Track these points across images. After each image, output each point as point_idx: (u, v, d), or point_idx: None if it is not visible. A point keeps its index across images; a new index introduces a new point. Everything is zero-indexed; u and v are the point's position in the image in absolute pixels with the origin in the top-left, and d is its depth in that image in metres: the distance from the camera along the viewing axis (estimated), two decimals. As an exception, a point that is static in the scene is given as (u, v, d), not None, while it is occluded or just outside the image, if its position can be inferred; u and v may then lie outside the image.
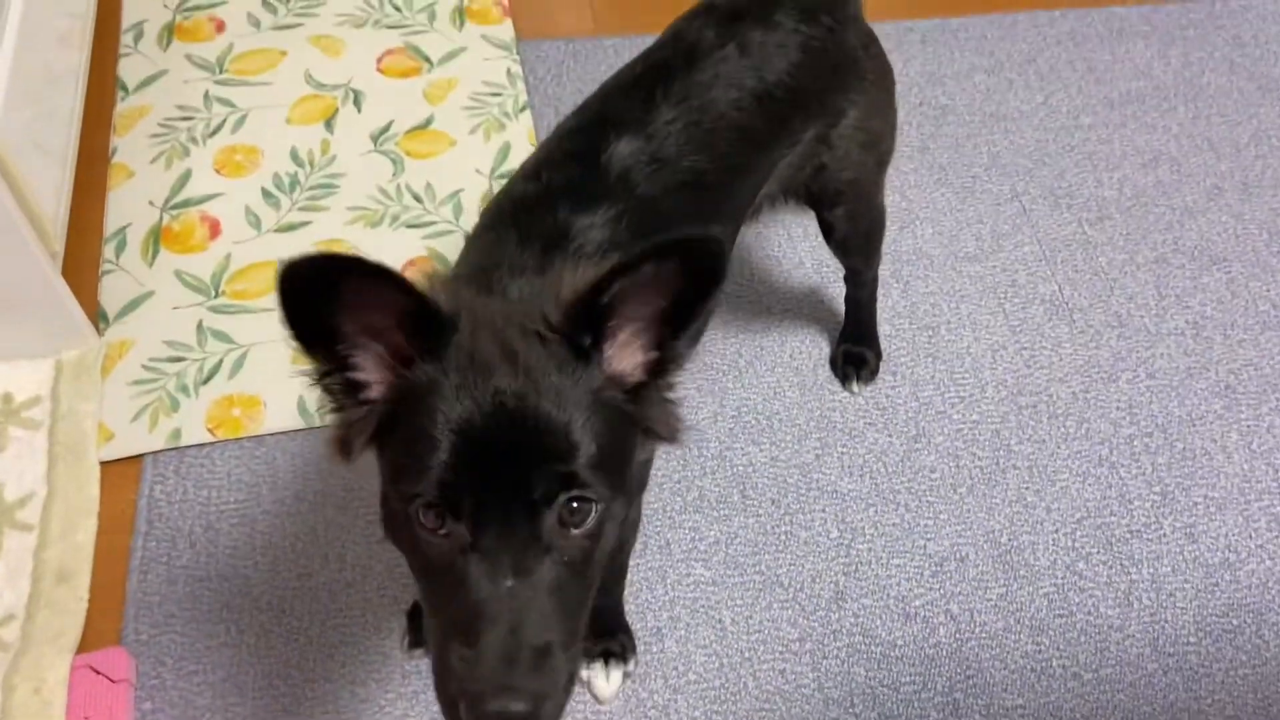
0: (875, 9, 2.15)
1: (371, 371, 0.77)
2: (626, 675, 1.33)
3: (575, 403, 0.73)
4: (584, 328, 0.75)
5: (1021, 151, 1.93)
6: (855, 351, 1.62)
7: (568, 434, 0.71)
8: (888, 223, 1.52)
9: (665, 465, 1.52)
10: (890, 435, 1.58)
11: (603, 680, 1.31)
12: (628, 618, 1.37)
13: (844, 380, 1.62)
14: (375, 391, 0.77)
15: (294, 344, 0.74)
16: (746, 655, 1.37)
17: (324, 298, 0.71)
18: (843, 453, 1.56)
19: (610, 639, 1.32)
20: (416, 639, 1.33)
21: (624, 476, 0.77)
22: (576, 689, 1.30)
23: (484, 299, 0.82)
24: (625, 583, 1.34)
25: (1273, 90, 2.06)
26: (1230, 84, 2.07)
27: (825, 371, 1.64)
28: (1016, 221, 1.83)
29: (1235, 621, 1.44)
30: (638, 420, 0.79)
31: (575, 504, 0.72)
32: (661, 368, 0.80)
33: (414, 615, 1.35)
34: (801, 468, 1.54)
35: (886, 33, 2.10)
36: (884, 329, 1.69)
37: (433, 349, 0.73)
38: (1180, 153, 1.95)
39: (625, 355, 0.78)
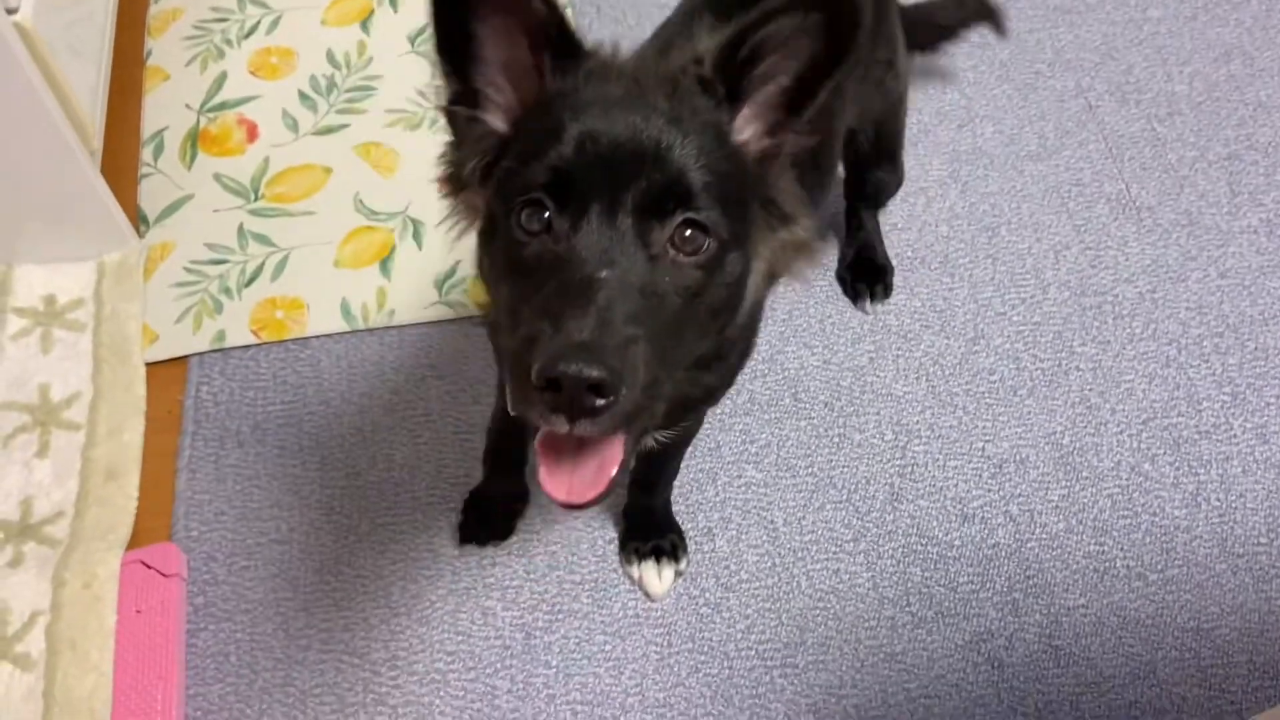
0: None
1: (495, 108, 0.77)
2: (678, 574, 1.31)
3: (700, 140, 0.71)
4: (719, 79, 0.74)
5: (1087, 46, 1.84)
6: (861, 261, 1.54)
7: (689, 163, 0.70)
8: (947, 121, 1.46)
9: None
10: (948, 338, 1.53)
11: (654, 577, 1.30)
12: (678, 519, 1.35)
13: (855, 297, 1.55)
14: (496, 124, 0.77)
15: (435, 59, 0.75)
16: (799, 555, 1.35)
17: (470, 7, 0.72)
18: (898, 355, 1.51)
19: (660, 537, 1.31)
20: (467, 534, 1.32)
21: (741, 234, 0.74)
22: (629, 585, 1.30)
23: (614, 50, 0.80)
24: (674, 484, 1.32)
25: (1355, -21, 1.94)
26: (1309, -27, 1.95)
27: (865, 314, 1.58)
28: (1081, 118, 1.75)
29: (1308, 524, 1.39)
30: (760, 185, 0.77)
31: (689, 230, 0.70)
32: (782, 149, 0.78)
33: (467, 509, 1.33)
34: (855, 371, 1.50)
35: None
36: (941, 230, 1.63)
37: (563, 71, 0.74)
38: (1254, 46, 1.85)
39: (752, 124, 0.77)
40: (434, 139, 1.66)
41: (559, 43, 0.74)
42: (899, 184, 1.51)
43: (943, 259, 1.60)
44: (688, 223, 0.70)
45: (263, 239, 1.55)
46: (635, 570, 1.31)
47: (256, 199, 1.59)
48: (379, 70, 1.74)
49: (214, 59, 1.74)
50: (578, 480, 0.71)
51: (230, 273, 1.52)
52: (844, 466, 1.42)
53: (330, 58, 1.75)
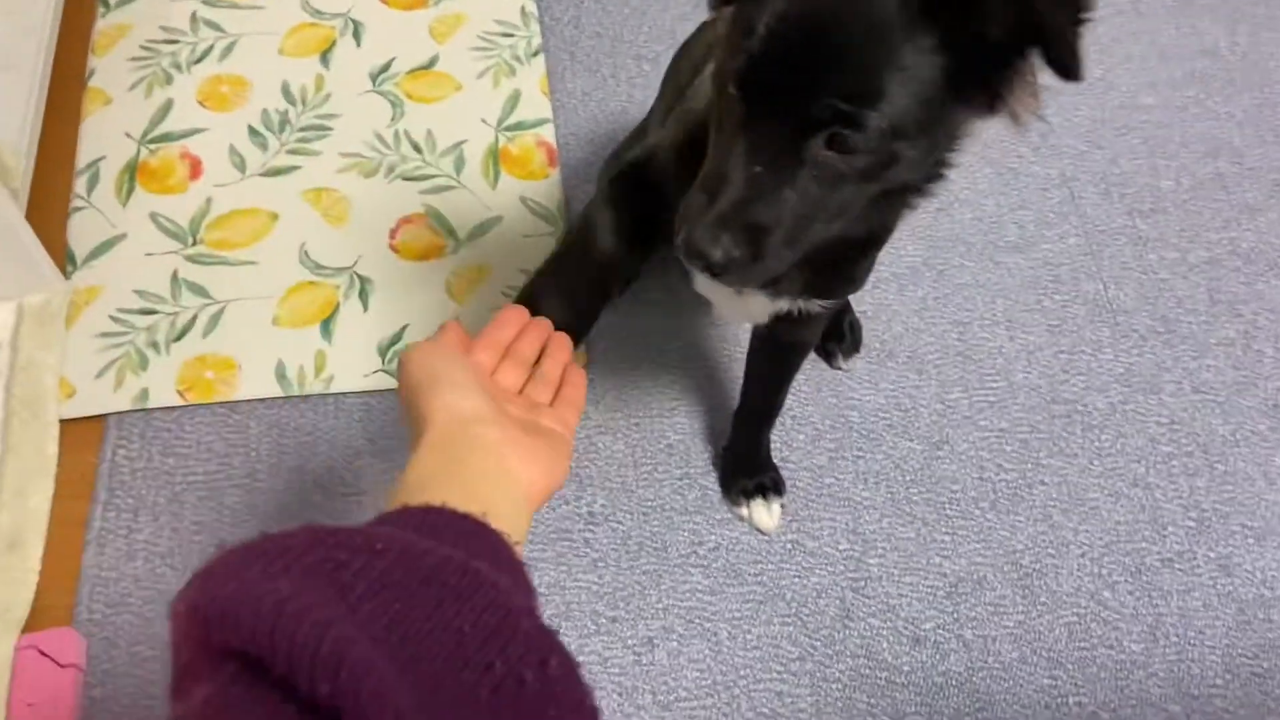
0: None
1: None
2: (783, 507, 1.38)
3: (893, 32, 0.69)
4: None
5: (1075, 131, 1.79)
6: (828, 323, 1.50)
7: (877, 60, 0.70)
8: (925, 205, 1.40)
9: (666, 462, 1.41)
10: (911, 440, 1.47)
11: (764, 513, 1.37)
12: (618, 627, 1.28)
13: (828, 357, 1.52)
14: None
15: None
16: (742, 673, 1.28)
17: None
18: (858, 456, 1.45)
19: (763, 474, 1.38)
20: None
21: (932, 135, 0.76)
22: (743, 524, 1.38)
23: None
24: (775, 421, 1.38)
25: (1349, 79, 1.90)
26: (1303, 69, 1.91)
27: (842, 371, 1.52)
28: (1063, 209, 1.70)
29: (1266, 665, 1.35)
30: (986, 88, 0.74)
31: (847, 130, 0.72)
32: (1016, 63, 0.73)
33: None
34: (812, 470, 1.44)
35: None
36: (911, 321, 1.57)
37: None
38: (1244, 143, 1.81)
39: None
40: (390, 187, 1.58)
41: None
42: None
43: (911, 353, 1.54)
44: (847, 124, 0.71)
45: (198, 289, 1.46)
46: (744, 509, 1.38)
47: (195, 244, 1.50)
48: (336, 109, 1.65)
49: (160, 84, 1.64)
50: None
51: (160, 325, 1.43)
52: (795, 576, 1.36)
53: (285, 91, 1.66)
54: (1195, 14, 1.97)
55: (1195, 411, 1.53)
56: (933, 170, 0.85)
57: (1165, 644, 1.35)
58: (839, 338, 1.52)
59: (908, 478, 1.44)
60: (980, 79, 0.74)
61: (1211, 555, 1.42)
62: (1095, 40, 1.87)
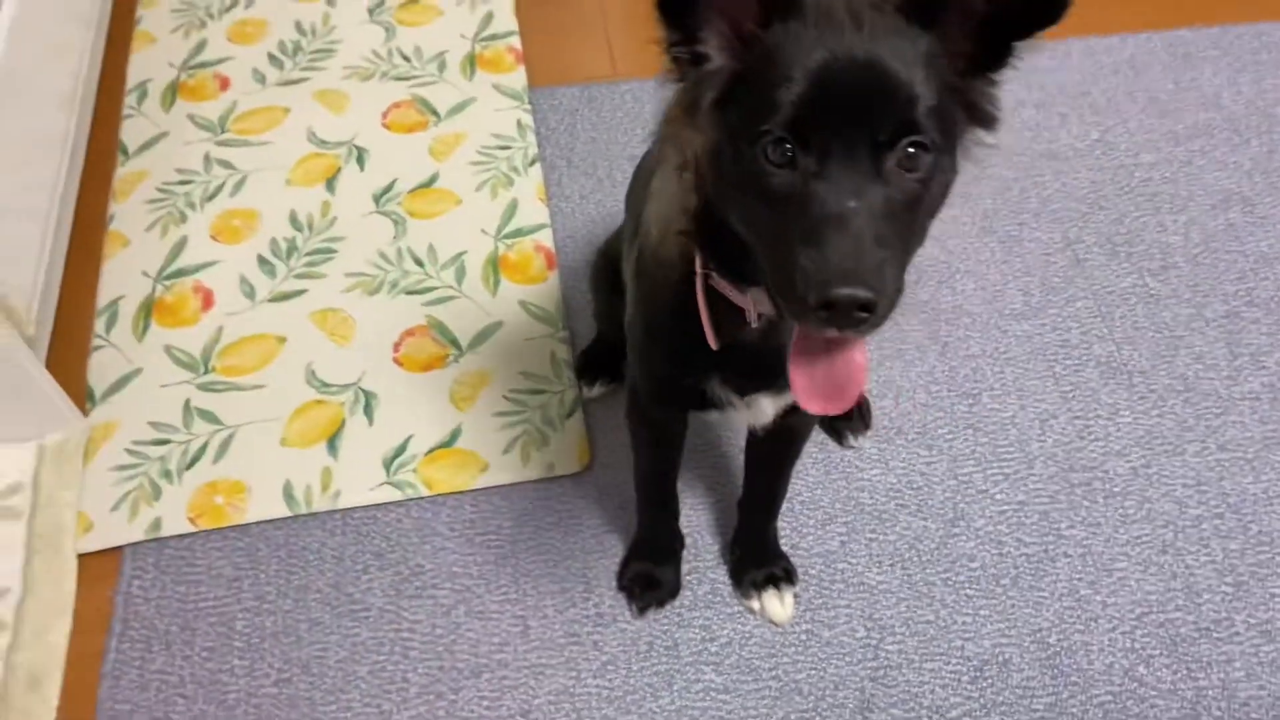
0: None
1: (715, 45, 0.82)
2: (796, 596, 1.36)
3: (915, 62, 0.77)
4: (916, 6, 0.78)
5: (1075, 194, 1.77)
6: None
7: (911, 86, 0.76)
8: (926, 278, 1.42)
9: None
10: (925, 519, 1.44)
11: (777, 604, 1.35)
12: (628, 731, 1.25)
13: (837, 436, 1.51)
14: (719, 61, 0.82)
15: (657, 15, 0.80)
16: (759, 775, 1.24)
17: None
18: (871, 539, 1.42)
19: (773, 564, 1.36)
20: (644, 599, 1.38)
21: (951, 139, 0.80)
22: (755, 617, 1.36)
23: None
24: (780, 509, 1.37)
25: (1359, 118, 1.87)
26: (1310, 112, 1.88)
27: (852, 449, 1.50)
28: (1069, 273, 1.67)
29: (1323, 738, 1.26)
30: (963, 94, 0.81)
31: (912, 149, 0.76)
32: (988, 63, 0.81)
33: (633, 580, 1.38)
34: (825, 556, 1.41)
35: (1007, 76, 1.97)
36: (919, 396, 1.55)
37: (784, 14, 0.78)
38: (1254, 192, 1.77)
39: (958, 40, 0.80)
40: (393, 302, 1.62)
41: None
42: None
43: (921, 429, 1.52)
44: (914, 144, 0.76)
45: (209, 416, 1.50)
46: (755, 602, 1.36)
47: (206, 372, 1.55)
48: (341, 231, 1.71)
49: (175, 223, 1.72)
50: (830, 387, 0.83)
51: (172, 454, 1.47)
52: (811, 668, 1.32)
53: (293, 219, 1.72)
54: (1194, 67, 1.96)
55: (1223, 471, 1.47)
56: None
57: (1208, 719, 1.27)
58: (847, 416, 1.51)
59: (924, 558, 1.40)
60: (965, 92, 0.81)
61: (1252, 621, 1.34)
62: (1090, 104, 1.87)
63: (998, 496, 1.45)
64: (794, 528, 1.43)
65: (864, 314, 0.74)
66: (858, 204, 0.75)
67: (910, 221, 0.79)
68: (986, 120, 0.83)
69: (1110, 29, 2.00)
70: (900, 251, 0.78)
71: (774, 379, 1.01)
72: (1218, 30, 2.00)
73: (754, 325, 0.93)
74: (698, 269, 0.94)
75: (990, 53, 0.81)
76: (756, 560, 1.38)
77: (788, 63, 0.77)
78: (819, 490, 1.46)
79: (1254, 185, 1.78)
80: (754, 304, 0.91)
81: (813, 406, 0.83)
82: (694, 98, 0.82)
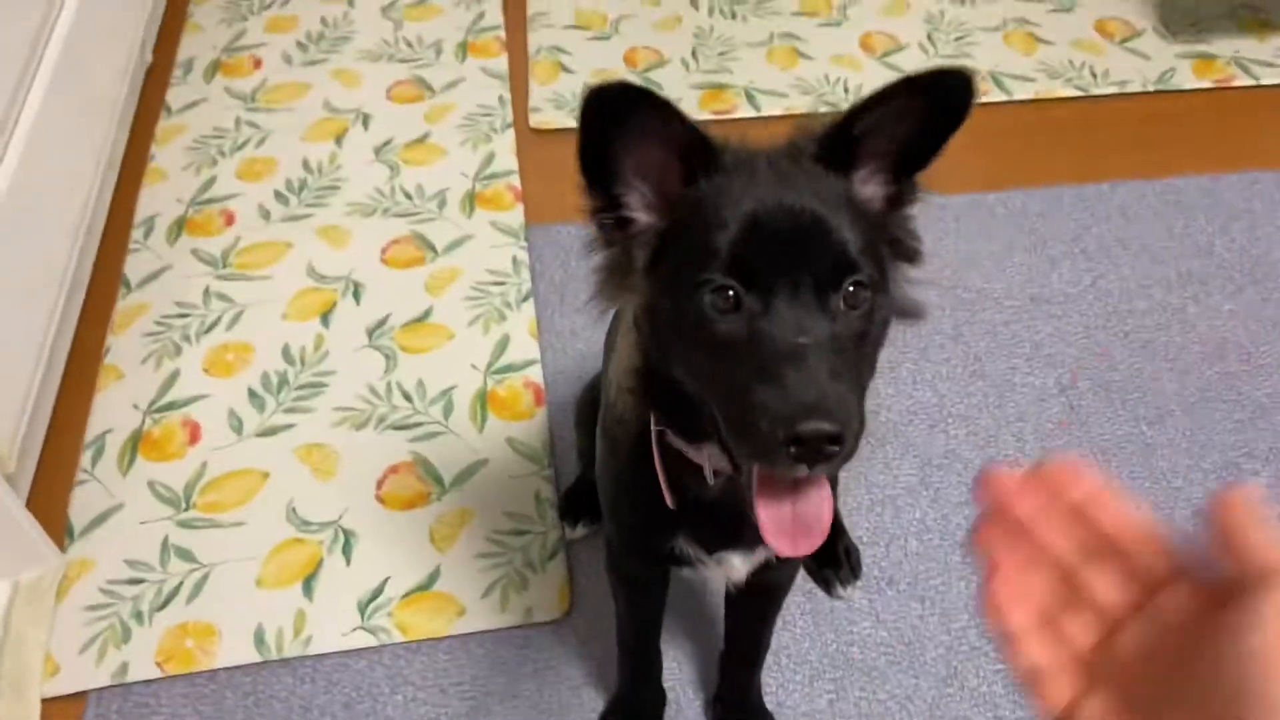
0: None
1: (641, 206, 0.83)
2: None
3: (840, 207, 0.80)
4: (839, 154, 0.81)
5: (1068, 339, 1.76)
6: (823, 549, 1.47)
7: (840, 228, 0.78)
8: (918, 421, 1.44)
9: (652, 713, 1.35)
10: (916, 676, 1.38)
11: None
12: None
13: (825, 585, 1.47)
14: (645, 221, 0.83)
15: (580, 178, 0.81)
16: None
17: (615, 127, 0.78)
18: (860, 697, 1.36)
19: None
20: None
21: (884, 276, 0.82)
22: None
23: (739, 142, 0.86)
24: (764, 662, 1.32)
25: (1354, 266, 1.87)
26: (1304, 260, 1.88)
27: (840, 600, 1.46)
28: (1063, 420, 1.65)
29: None
30: (885, 232, 0.85)
31: (853, 287, 0.78)
32: (899, 200, 0.86)
33: None
34: (811, 715, 1.35)
35: (918, 210, 1.99)
36: (910, 544, 1.51)
37: (707, 170, 0.81)
38: (1250, 340, 1.76)
39: (870, 183, 0.85)
40: (379, 437, 1.61)
41: (701, 151, 0.81)
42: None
43: (912, 579, 1.47)
44: (854, 282, 0.78)
45: (185, 554, 1.48)
46: None
47: (187, 508, 1.53)
48: (333, 365, 1.72)
49: (170, 356, 1.73)
50: (799, 526, 0.81)
51: (145, 594, 1.44)
52: (793, 839, 1.25)
53: (286, 353, 1.74)
54: (1186, 214, 1.97)
55: (1227, 630, 1.41)
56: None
57: None
58: (835, 564, 1.47)
59: (915, 719, 1.34)
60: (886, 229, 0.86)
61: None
62: (1083, 249, 1.89)
63: (991, 654, 1.40)
64: (779, 683, 1.38)
65: (833, 448, 0.72)
66: (809, 340, 0.75)
67: (859, 357, 0.79)
68: (911, 255, 0.86)
69: (1102, 177, 2.03)
70: (856, 385, 0.77)
71: (740, 536, 0.99)
72: (1208, 179, 2.03)
73: (711, 483, 0.91)
74: (652, 426, 0.93)
75: (900, 190, 0.85)
76: (740, 718, 1.32)
77: (719, 212, 0.78)
78: (806, 643, 1.42)
79: (1250, 333, 1.77)
80: (709, 460, 0.90)
81: (782, 548, 0.81)
82: (625, 261, 0.83)
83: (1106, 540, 0.50)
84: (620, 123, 0.78)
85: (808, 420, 0.71)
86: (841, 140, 0.81)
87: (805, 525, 0.81)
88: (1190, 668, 0.42)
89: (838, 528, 1.50)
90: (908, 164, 0.84)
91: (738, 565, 1.03)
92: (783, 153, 0.82)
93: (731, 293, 0.76)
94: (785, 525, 0.81)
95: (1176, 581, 0.46)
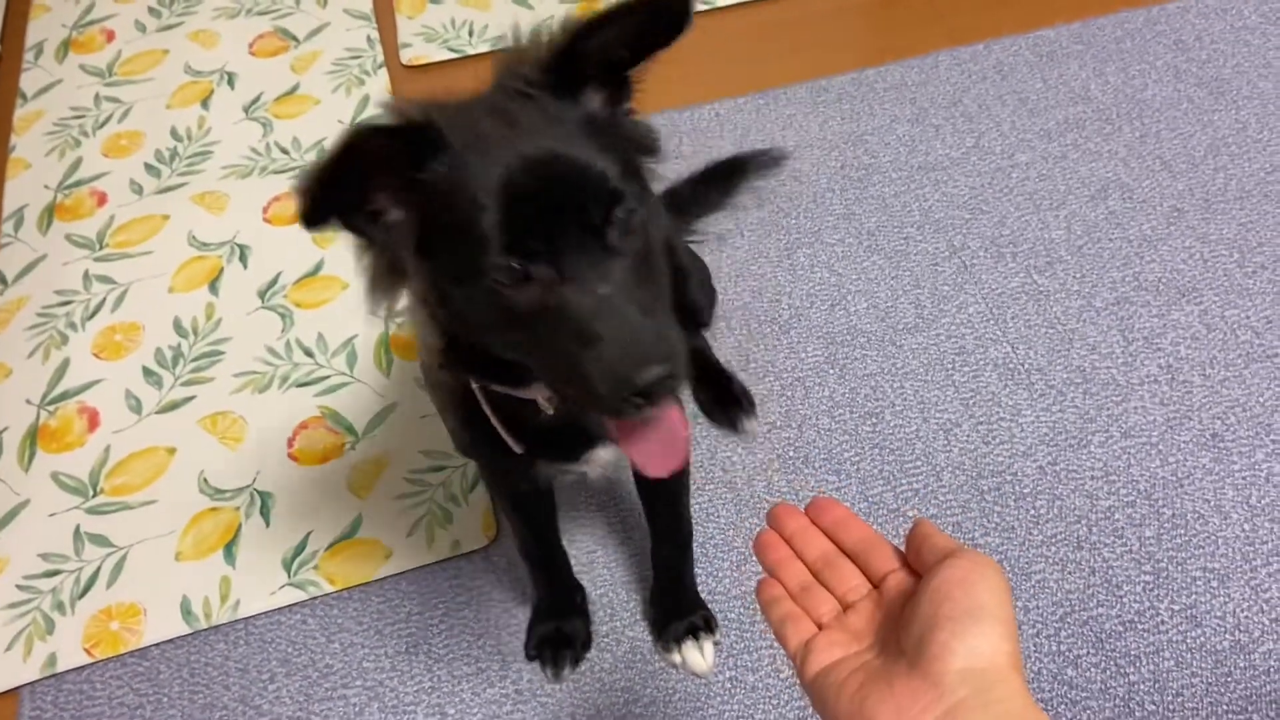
0: (786, 72, 2.04)
1: (387, 200, 0.79)
2: (716, 644, 1.33)
3: (584, 136, 0.77)
4: (566, 78, 0.79)
5: (956, 202, 1.78)
6: (716, 396, 1.56)
7: (595, 162, 0.76)
8: (819, 303, 1.51)
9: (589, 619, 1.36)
10: (839, 546, 1.41)
11: (697, 655, 1.31)
12: None
13: (731, 425, 1.53)
14: (397, 214, 0.79)
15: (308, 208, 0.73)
16: (693, 836, 1.20)
17: (349, 179, 0.73)
18: (787, 575, 1.39)
19: (692, 614, 1.33)
20: (558, 661, 1.34)
21: (642, 180, 0.82)
22: (678, 671, 1.32)
23: (455, 100, 0.82)
24: (693, 562, 1.36)
25: (1225, 93, 1.90)
26: (1178, 94, 1.91)
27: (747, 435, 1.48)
28: (958, 280, 1.67)
29: (1256, 718, 1.24)
30: (622, 134, 0.83)
31: (624, 214, 0.76)
32: (619, 98, 0.84)
33: (540, 643, 1.35)
34: (742, 598, 1.38)
35: (800, 96, 1.98)
36: (822, 422, 1.53)
37: (434, 152, 0.76)
38: (1131, 177, 1.79)
39: (595, 94, 0.83)
40: (284, 396, 1.59)
41: (417, 136, 0.75)
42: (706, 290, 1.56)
43: (827, 455, 1.50)
44: (626, 210, 0.77)
45: (100, 540, 1.46)
46: (676, 655, 1.32)
47: (95, 494, 1.51)
48: (228, 332, 1.68)
49: (57, 346, 1.68)
50: (664, 449, 0.83)
51: (64, 584, 1.42)
52: (738, 716, 1.28)
53: (178, 326, 1.70)
54: (1060, 63, 1.99)
55: (1130, 458, 1.46)
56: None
57: (1142, 714, 1.25)
58: (735, 403, 1.53)
59: (841, 588, 1.37)
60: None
61: (1175, 608, 1.32)
62: (963, 112, 1.89)
63: (909, 514, 1.43)
64: (709, 572, 1.40)
65: (672, 381, 0.74)
66: (608, 287, 0.75)
67: (651, 274, 0.80)
68: (650, 148, 0.85)
69: (975, 37, 2.03)
70: (662, 305, 0.78)
71: (596, 436, 1.00)
72: (1079, 25, 2.04)
73: (550, 413, 0.92)
74: (473, 385, 0.93)
75: (619, 88, 0.83)
76: (676, 611, 1.35)
77: (470, 193, 0.74)
78: (730, 531, 1.44)
79: (1130, 171, 1.80)
80: (541, 395, 0.90)
81: (657, 472, 0.82)
82: (392, 257, 0.80)
83: (848, 548, 0.75)
84: (354, 172, 0.73)
85: (641, 372, 0.72)
86: (567, 64, 0.79)
87: (669, 445, 0.83)
88: (908, 613, 0.65)
89: (721, 374, 1.55)
90: (622, 64, 0.82)
91: (607, 457, 1.04)
92: (506, 94, 0.79)
93: (516, 265, 0.74)
94: (654, 453, 0.83)
95: (899, 569, 0.71)
